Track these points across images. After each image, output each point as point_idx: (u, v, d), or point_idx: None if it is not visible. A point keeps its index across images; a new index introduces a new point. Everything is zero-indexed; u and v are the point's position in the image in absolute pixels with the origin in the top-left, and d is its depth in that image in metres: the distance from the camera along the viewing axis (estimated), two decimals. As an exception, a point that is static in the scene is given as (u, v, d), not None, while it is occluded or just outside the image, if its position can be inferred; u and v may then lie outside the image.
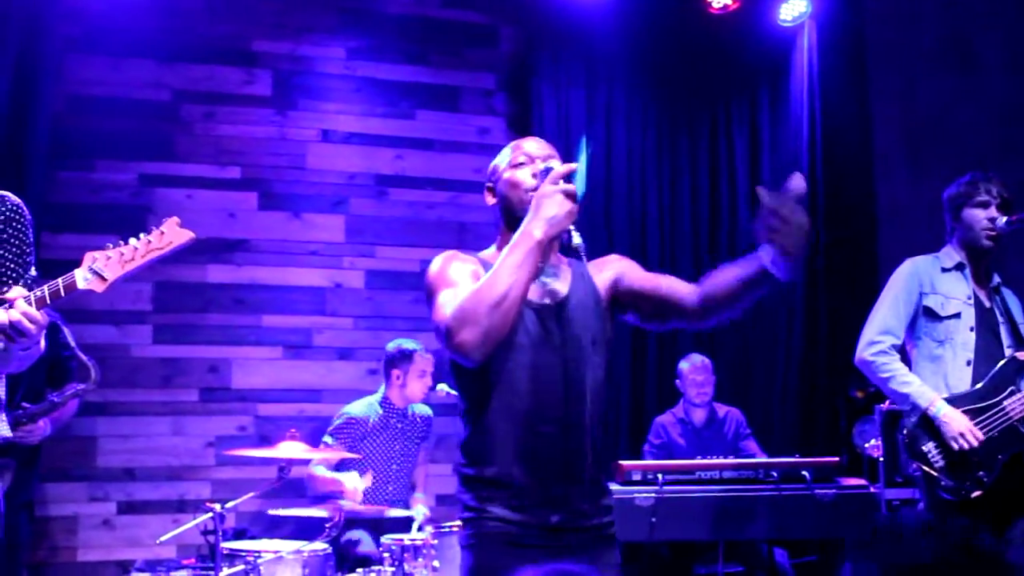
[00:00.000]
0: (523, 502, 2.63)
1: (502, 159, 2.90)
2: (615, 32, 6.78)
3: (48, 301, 2.87)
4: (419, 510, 5.38)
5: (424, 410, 5.74)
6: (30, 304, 2.83)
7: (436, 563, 4.54)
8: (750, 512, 5.16)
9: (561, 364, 2.69)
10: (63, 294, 2.90)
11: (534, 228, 2.55)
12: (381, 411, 5.55)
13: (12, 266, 2.95)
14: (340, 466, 5.41)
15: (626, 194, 6.79)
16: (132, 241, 3.01)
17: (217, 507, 4.32)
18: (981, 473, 3.88)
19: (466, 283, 2.63)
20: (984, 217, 4.08)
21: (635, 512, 5.07)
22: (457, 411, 2.80)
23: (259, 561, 4.38)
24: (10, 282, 2.93)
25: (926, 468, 3.94)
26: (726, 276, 2.86)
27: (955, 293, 4.11)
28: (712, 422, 6.13)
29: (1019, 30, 6.67)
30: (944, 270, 4.15)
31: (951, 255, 4.17)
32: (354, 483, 5.11)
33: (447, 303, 2.56)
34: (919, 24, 6.95)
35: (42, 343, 2.97)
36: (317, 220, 6.40)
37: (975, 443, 3.86)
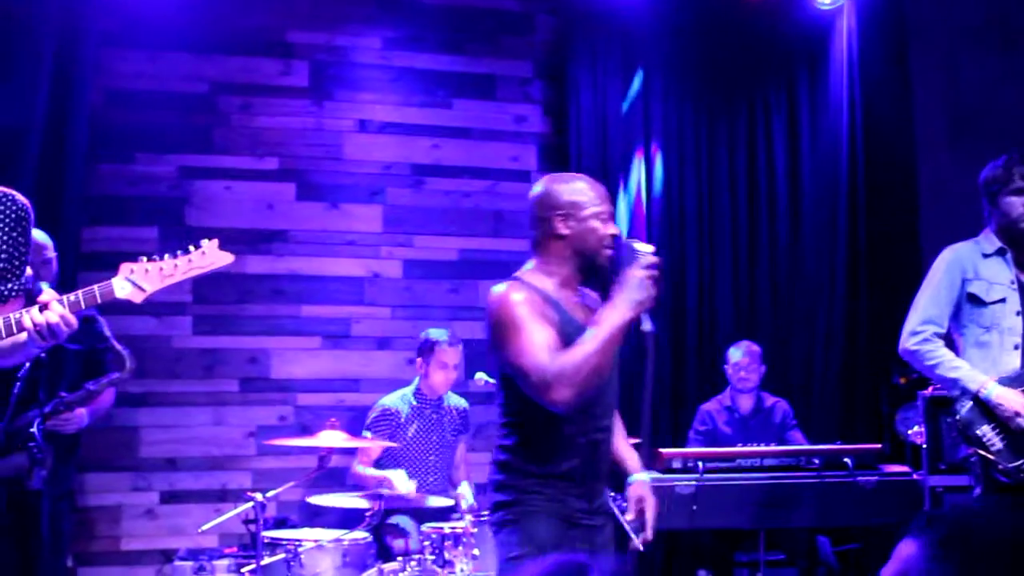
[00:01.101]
0: (580, 491, 3.10)
1: (586, 199, 3.13)
2: (651, 19, 6.74)
3: (83, 306, 2.90)
4: (464, 494, 5.39)
5: (459, 402, 5.74)
6: (63, 306, 2.86)
7: (476, 551, 4.54)
8: (791, 500, 5.13)
9: (607, 381, 3.13)
10: (99, 300, 2.94)
11: (626, 310, 2.93)
12: (415, 402, 5.56)
13: (16, 263, 2.97)
14: (382, 460, 5.43)
15: (664, 182, 6.74)
16: (170, 259, 3.05)
17: (258, 496, 4.35)
18: None
19: (543, 333, 2.96)
20: (1020, 204, 4.02)
21: (676, 500, 5.05)
22: (508, 409, 3.15)
23: (300, 550, 4.41)
24: (11, 280, 2.95)
25: (982, 452, 3.89)
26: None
27: (999, 278, 4.06)
28: (759, 411, 6.09)
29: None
30: (985, 255, 4.10)
31: (991, 240, 4.11)
32: (402, 481, 5.12)
33: (538, 357, 2.91)
34: (960, 3, 6.84)
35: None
36: (354, 210, 6.41)
37: None
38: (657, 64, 6.82)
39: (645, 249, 2.99)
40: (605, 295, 3.11)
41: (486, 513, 4.73)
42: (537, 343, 2.94)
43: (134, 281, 2.97)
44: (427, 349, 5.55)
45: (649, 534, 3.33)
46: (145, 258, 3.03)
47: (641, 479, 3.41)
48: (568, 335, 3.01)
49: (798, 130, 6.94)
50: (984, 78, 6.74)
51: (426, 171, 6.56)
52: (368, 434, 5.42)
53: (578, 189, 3.16)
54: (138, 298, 2.99)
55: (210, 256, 3.10)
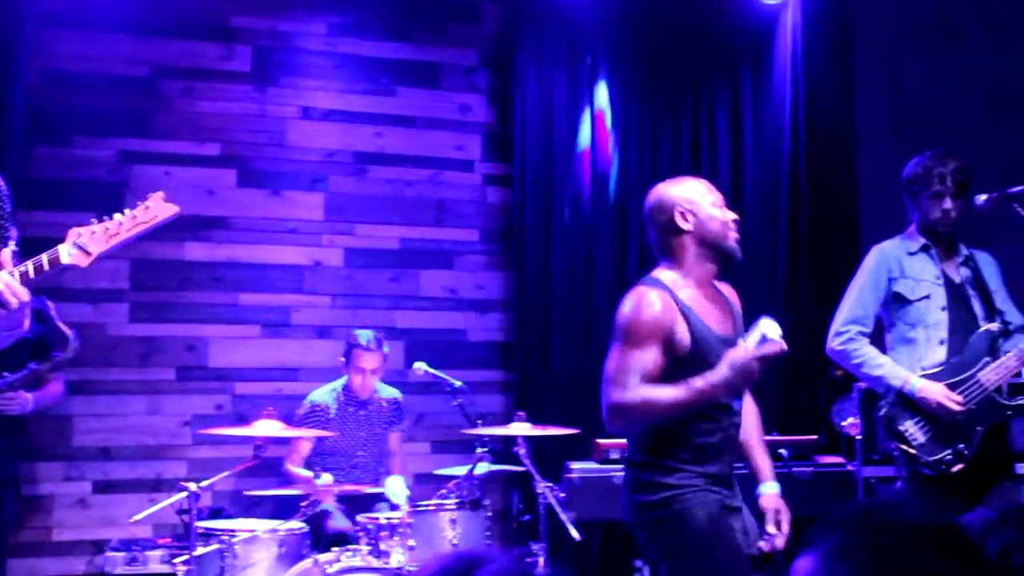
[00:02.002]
0: (722, 480, 3.22)
1: (698, 193, 3.29)
2: (598, 10, 6.74)
3: (32, 275, 2.86)
4: (395, 491, 5.36)
5: (391, 393, 5.70)
6: (13, 277, 2.81)
7: (412, 542, 4.51)
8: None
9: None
10: (47, 268, 2.89)
11: (720, 391, 3.03)
12: (343, 397, 5.52)
13: None
14: (313, 458, 5.39)
15: (607, 172, 6.75)
16: (117, 216, 3.00)
17: (192, 486, 4.29)
18: (961, 446, 3.89)
19: (647, 357, 3.06)
20: (938, 209, 4.07)
21: (613, 490, 5.05)
22: None
23: (234, 540, 4.36)
24: None
25: (904, 447, 3.94)
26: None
27: (924, 275, 4.10)
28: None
29: (1002, 6, 6.65)
30: (911, 253, 4.14)
31: (916, 238, 4.16)
32: (327, 483, 5.07)
33: (625, 377, 3.04)
34: (902, 2, 6.91)
35: (26, 323, 2.95)
36: (296, 197, 6.35)
37: (957, 408, 3.86)
38: (603, 56, 6.82)
39: (775, 335, 3.01)
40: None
41: (424, 504, 4.74)
42: (635, 362, 3.06)
43: (80, 245, 2.92)
44: (347, 352, 5.51)
45: (781, 542, 3.33)
46: (95, 220, 2.98)
47: (773, 490, 3.43)
48: (700, 341, 3.13)
49: (741, 123, 6.98)
50: (924, 75, 6.82)
51: (369, 159, 6.51)
52: (299, 431, 5.37)
53: (688, 186, 3.32)
54: (85, 262, 2.94)
55: (155, 210, 3.05)
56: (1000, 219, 4.07)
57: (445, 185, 6.63)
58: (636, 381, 3.04)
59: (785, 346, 3.01)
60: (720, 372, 3.00)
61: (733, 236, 3.28)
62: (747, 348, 3.00)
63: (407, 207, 6.55)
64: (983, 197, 4.05)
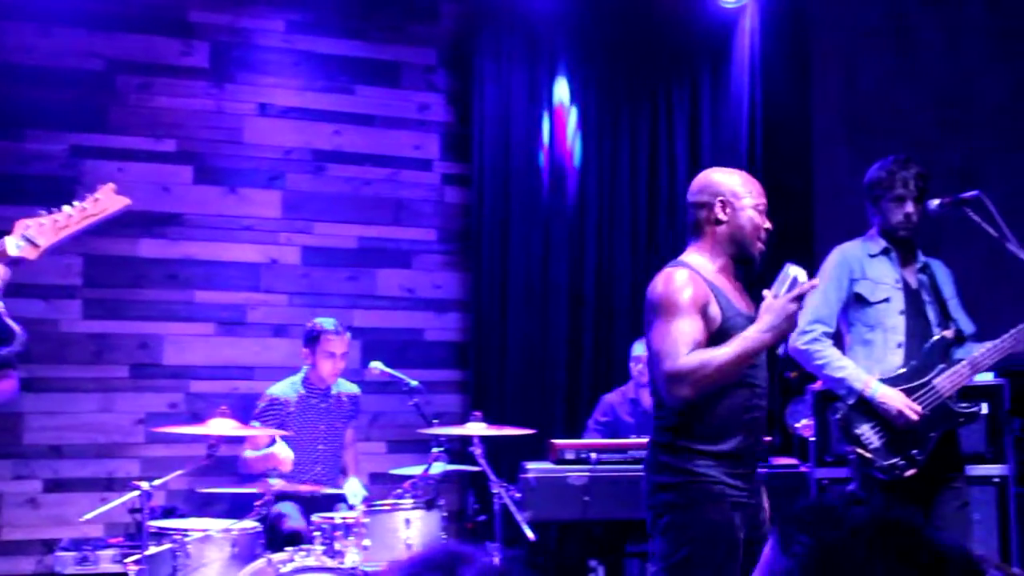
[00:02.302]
0: (743, 471, 3.22)
1: (745, 190, 3.32)
2: (558, 10, 6.76)
3: None
4: (353, 491, 5.35)
5: (350, 388, 5.70)
6: None
7: (367, 542, 4.50)
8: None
9: (762, 360, 3.29)
10: None
11: (771, 335, 3.10)
12: (303, 390, 5.50)
13: None
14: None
15: (566, 173, 6.77)
16: (66, 208, 2.96)
17: (144, 485, 4.25)
18: (915, 452, 3.92)
19: (692, 325, 3.12)
20: (900, 212, 4.11)
21: (568, 491, 5.08)
22: (656, 396, 3.25)
23: (186, 540, 4.32)
24: None
25: (860, 451, 3.97)
26: None
27: (884, 278, 4.14)
28: (662, 407, 6.11)
29: (957, 11, 6.73)
30: (872, 256, 4.18)
31: (877, 241, 4.20)
32: (282, 450, 5.07)
33: (676, 346, 3.08)
34: (859, 6, 6.98)
35: None
36: (253, 195, 6.31)
37: (916, 417, 3.90)
38: (562, 56, 6.84)
39: (802, 277, 3.13)
40: (748, 287, 3.42)
41: (380, 503, 4.73)
42: (682, 332, 3.11)
43: (29, 237, 2.88)
44: (313, 338, 5.49)
45: None
46: (44, 212, 2.94)
47: None
48: (729, 319, 3.20)
49: (700, 126, 7.02)
50: (880, 78, 6.89)
51: (327, 157, 6.48)
52: (256, 424, 5.34)
53: (739, 180, 3.35)
54: (33, 254, 2.91)
55: (104, 202, 3.02)
56: (953, 224, 4.11)
57: (403, 184, 6.61)
58: (686, 349, 3.09)
59: (816, 282, 3.21)
60: (764, 319, 3.10)
61: (760, 245, 3.34)
62: (780, 293, 3.12)
63: (365, 206, 6.53)
64: (936, 202, 4.09)
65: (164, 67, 6.20)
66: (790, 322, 3.13)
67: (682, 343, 3.10)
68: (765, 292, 3.18)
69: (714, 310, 3.20)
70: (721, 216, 3.31)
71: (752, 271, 3.42)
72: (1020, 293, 4.01)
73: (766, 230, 3.34)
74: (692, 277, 3.21)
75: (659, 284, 3.23)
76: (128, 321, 6.00)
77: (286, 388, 5.51)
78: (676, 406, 3.18)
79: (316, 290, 6.37)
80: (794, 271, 3.16)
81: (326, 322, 5.52)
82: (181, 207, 6.16)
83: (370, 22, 6.62)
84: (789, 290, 3.12)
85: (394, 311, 6.51)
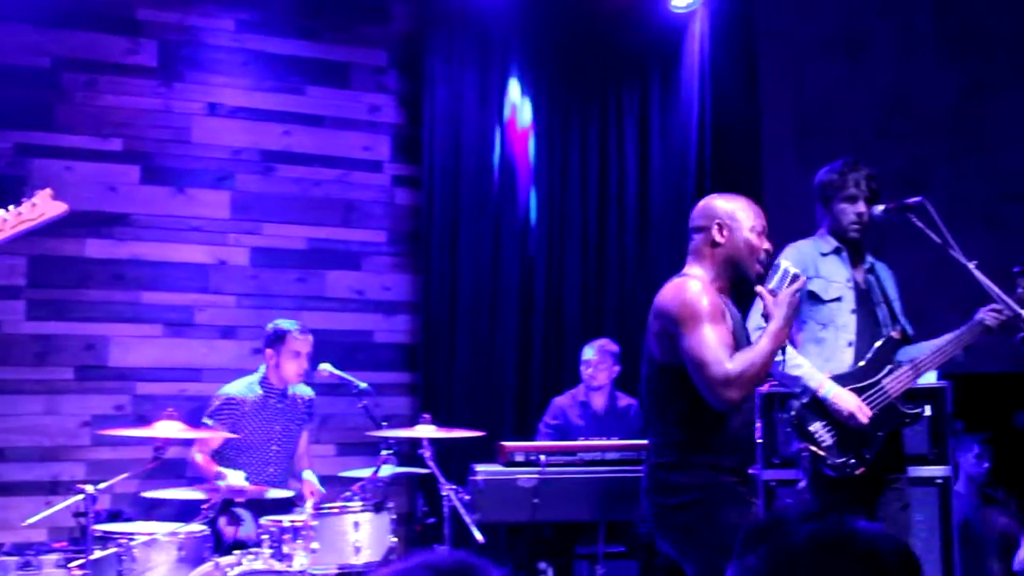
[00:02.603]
0: (744, 480, 3.38)
1: (743, 214, 3.43)
2: (509, 13, 6.76)
3: None
4: (313, 480, 5.36)
5: (305, 391, 5.68)
6: None
7: (315, 544, 4.49)
8: (631, 493, 5.17)
9: None
10: None
11: (786, 331, 3.29)
12: (260, 391, 5.47)
13: None
14: (223, 449, 5.32)
15: (516, 177, 6.78)
16: (0, 212, 2.92)
17: (89, 488, 4.20)
18: (864, 450, 3.98)
19: (725, 332, 3.25)
20: (852, 212, 4.16)
21: (517, 493, 5.09)
22: (676, 405, 3.34)
23: (132, 544, 4.28)
24: None
25: (813, 448, 4.02)
26: None
27: (836, 277, 4.19)
28: (612, 410, 6.14)
29: (902, 19, 6.83)
30: (823, 254, 4.23)
31: (828, 240, 4.25)
32: (237, 480, 5.03)
33: (720, 353, 3.18)
34: (808, 12, 7.07)
35: None
36: (201, 195, 6.26)
37: (865, 420, 3.95)
38: (514, 58, 6.85)
39: (793, 269, 3.36)
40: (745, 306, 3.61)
41: (328, 506, 4.71)
42: (721, 339, 3.22)
43: None
44: (278, 339, 5.47)
45: None
46: None
47: None
48: (736, 328, 3.36)
49: (649, 130, 7.06)
50: (828, 85, 6.98)
51: (276, 158, 6.45)
52: (209, 422, 5.31)
53: (738, 204, 3.46)
54: None
55: (41, 207, 2.99)
56: (897, 230, 4.17)
57: (353, 186, 6.59)
58: (728, 352, 3.22)
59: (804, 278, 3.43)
60: (778, 314, 3.28)
61: (758, 266, 3.43)
62: (780, 288, 3.33)
63: (314, 207, 6.50)
64: (880, 208, 4.15)
65: (111, 65, 6.13)
66: (795, 312, 3.35)
67: (723, 348, 3.21)
68: (759, 288, 3.37)
69: (727, 318, 3.33)
70: (718, 239, 3.41)
71: (746, 287, 3.53)
72: (963, 298, 4.08)
73: (765, 251, 3.44)
74: (705, 286, 3.32)
75: (675, 295, 3.32)
76: (73, 322, 5.93)
77: (243, 388, 5.47)
78: (688, 420, 3.30)
79: (265, 291, 6.33)
80: (787, 264, 3.40)
81: (290, 323, 5.50)
82: (128, 207, 6.10)
83: (321, 22, 6.59)
84: (783, 283, 3.33)
85: (343, 313, 6.49)
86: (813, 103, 7.03)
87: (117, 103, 6.13)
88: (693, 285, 3.31)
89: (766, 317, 3.37)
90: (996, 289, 3.89)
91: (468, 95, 6.71)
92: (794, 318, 3.40)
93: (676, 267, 6.64)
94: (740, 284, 3.50)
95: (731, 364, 3.17)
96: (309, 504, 4.65)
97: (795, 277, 3.34)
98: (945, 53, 6.86)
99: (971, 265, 3.90)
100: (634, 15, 6.97)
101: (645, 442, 5.56)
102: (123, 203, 6.09)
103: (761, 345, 3.24)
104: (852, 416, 3.97)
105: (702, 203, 3.55)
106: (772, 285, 3.35)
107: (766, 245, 3.45)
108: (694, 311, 3.24)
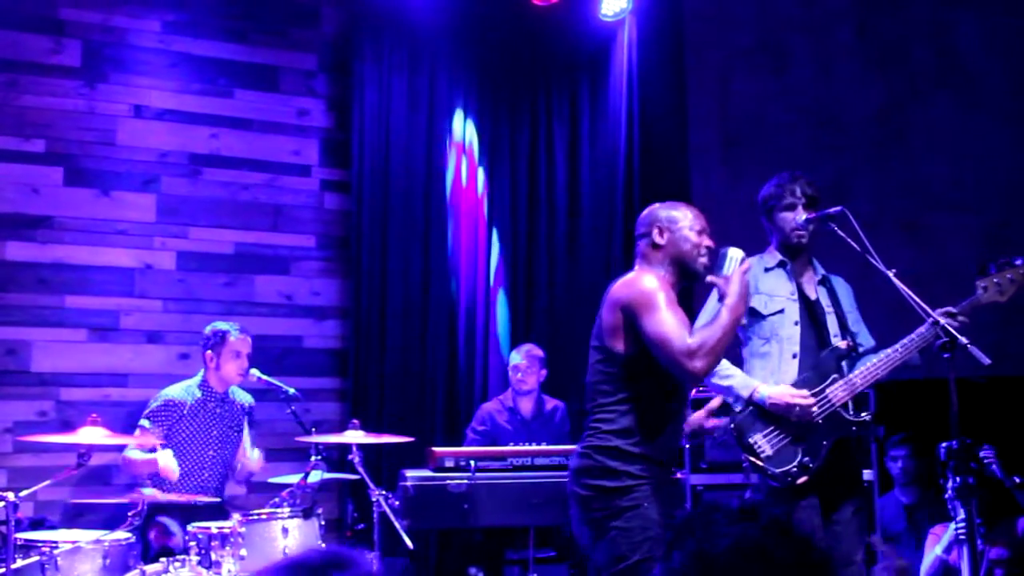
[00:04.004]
0: (670, 469, 3.64)
1: (681, 216, 3.67)
2: (439, 18, 6.77)
3: None
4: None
5: (245, 397, 5.63)
6: None
7: (244, 551, 4.44)
8: (561, 498, 5.22)
9: None
10: None
11: (741, 301, 3.49)
12: (200, 395, 5.42)
13: None
14: (154, 451, 5.26)
15: (445, 180, 6.78)
16: None
17: (10, 496, 4.11)
18: (806, 459, 4.01)
19: (680, 313, 3.44)
20: (793, 219, 4.23)
21: (448, 498, 5.09)
22: (619, 390, 3.49)
23: (55, 552, 4.20)
24: None
25: (753, 459, 4.05)
26: None
27: (778, 291, 4.23)
28: (540, 414, 6.17)
29: (828, 35, 6.97)
30: (767, 269, 4.27)
31: (773, 255, 4.30)
32: (168, 460, 4.99)
33: (681, 329, 3.38)
34: (735, 24, 7.17)
35: None
36: (127, 198, 6.17)
37: (806, 402, 3.98)
38: (443, 63, 6.86)
39: (738, 254, 3.58)
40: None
41: (256, 513, 4.67)
42: (679, 318, 3.42)
43: None
44: (218, 340, 5.42)
45: None
46: None
47: None
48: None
49: (578, 137, 7.12)
50: (754, 96, 7.09)
51: (204, 161, 6.38)
52: (146, 423, 5.26)
53: (677, 209, 3.72)
54: None
55: None
56: (824, 240, 4.25)
57: (282, 190, 6.55)
58: (688, 328, 3.42)
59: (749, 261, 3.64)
60: (732, 290, 3.49)
61: (702, 260, 3.64)
62: (730, 271, 3.54)
63: (242, 211, 6.44)
64: (803, 217, 4.22)
65: (33, 65, 6.03)
66: (747, 289, 3.55)
67: (683, 324, 3.41)
68: (711, 278, 3.59)
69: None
70: (659, 241, 3.64)
71: (696, 282, 3.75)
72: (890, 306, 4.16)
73: (706, 247, 3.65)
74: (658, 278, 3.53)
75: (632, 285, 3.53)
76: (-6, 326, 5.81)
77: (181, 391, 5.41)
78: (631, 404, 3.46)
79: (192, 296, 6.26)
80: (732, 251, 3.60)
81: (227, 324, 5.48)
82: (51, 209, 6.00)
83: (249, 25, 6.54)
84: (731, 267, 3.55)
85: (272, 318, 6.44)
86: (739, 114, 7.13)
87: (40, 103, 6.03)
88: (647, 277, 3.53)
89: (721, 298, 3.51)
90: (914, 296, 3.97)
91: (397, 99, 6.71)
92: (748, 295, 3.60)
93: (603, 271, 6.78)
94: (690, 280, 3.71)
95: (694, 337, 3.37)
96: (236, 517, 4.58)
97: (742, 260, 3.57)
98: (865, 68, 7.01)
99: (891, 273, 3.97)
100: (564, 22, 7.02)
101: (573, 447, 5.63)
102: (46, 205, 5.99)
103: (720, 317, 3.44)
104: (790, 406, 4.01)
105: (645, 211, 3.78)
106: (724, 272, 3.55)
107: (707, 242, 3.66)
108: (651, 297, 3.43)
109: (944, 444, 3.85)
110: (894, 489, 5.87)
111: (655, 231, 3.66)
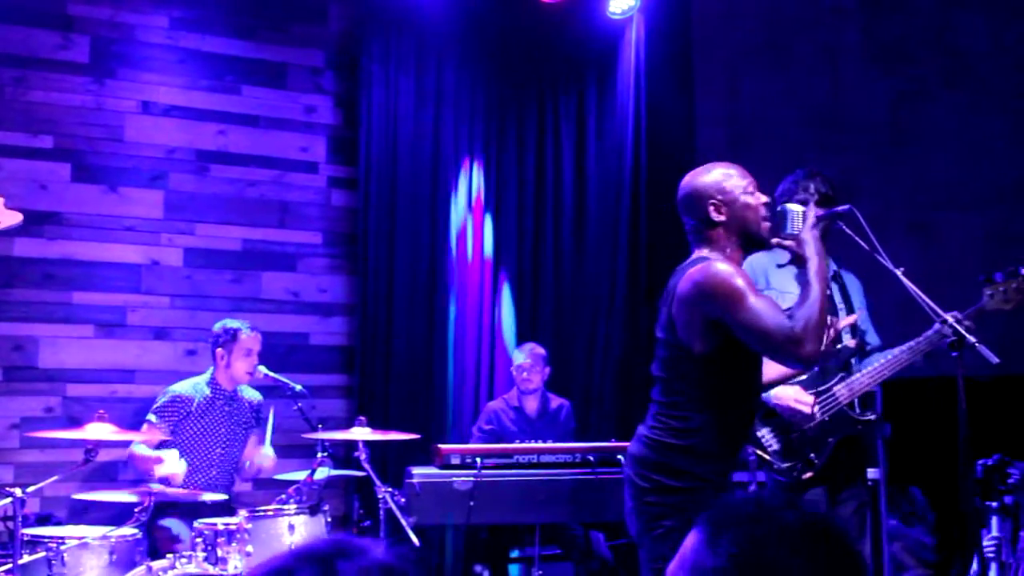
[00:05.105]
0: (734, 471, 3.44)
1: (731, 183, 3.31)
2: (446, 16, 6.76)
3: None
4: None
5: (253, 395, 5.64)
6: None
7: (250, 548, 4.45)
8: (567, 495, 5.24)
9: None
10: None
11: (823, 262, 3.26)
12: (208, 392, 5.44)
13: None
14: (165, 446, 5.27)
15: (452, 177, 6.79)
16: None
17: (17, 492, 4.13)
18: (812, 455, 4.04)
19: (769, 298, 3.19)
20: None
21: (453, 496, 5.10)
22: (696, 388, 3.23)
23: (62, 548, 4.22)
24: None
25: (760, 452, 4.07)
26: None
27: (789, 287, 4.22)
28: (545, 412, 6.17)
29: (834, 35, 6.96)
30: (779, 266, 4.27)
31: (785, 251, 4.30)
32: (171, 466, 4.99)
33: (778, 317, 3.10)
34: (742, 23, 7.17)
35: None
36: (134, 194, 6.18)
37: (808, 410, 3.99)
38: (450, 60, 6.85)
39: (799, 209, 3.40)
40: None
41: (262, 509, 4.68)
42: (770, 303, 3.15)
43: None
44: (229, 338, 5.45)
45: None
46: None
47: None
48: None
49: (585, 136, 7.10)
50: (761, 94, 7.08)
51: (211, 158, 6.39)
52: (153, 418, 5.28)
53: (721, 174, 3.34)
54: None
55: None
56: (828, 237, 4.24)
57: (289, 186, 6.56)
58: (784, 314, 3.14)
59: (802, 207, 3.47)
60: (809, 250, 3.28)
61: (766, 224, 3.35)
62: (796, 228, 3.37)
63: (249, 208, 6.45)
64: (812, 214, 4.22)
65: (42, 61, 6.04)
66: (819, 243, 3.31)
67: (776, 309, 3.15)
68: (776, 240, 3.40)
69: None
70: (717, 218, 3.30)
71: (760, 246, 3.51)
72: (900, 304, 4.15)
73: (765, 204, 3.35)
74: (728, 263, 3.23)
75: (707, 277, 3.18)
76: (1, 322, 5.82)
77: (190, 388, 5.43)
78: (709, 403, 3.23)
79: (199, 292, 6.27)
80: (793, 207, 3.43)
81: (237, 322, 5.50)
82: (59, 205, 6.01)
83: (257, 22, 6.55)
84: (796, 223, 3.38)
85: (279, 315, 6.45)
86: (746, 112, 7.13)
87: (48, 99, 6.04)
88: (720, 265, 3.19)
89: (797, 263, 3.38)
90: (922, 295, 3.97)
91: (405, 96, 6.71)
92: (823, 251, 3.35)
93: (609, 274, 6.77)
94: (756, 248, 3.51)
95: (794, 323, 3.10)
96: (242, 513, 4.58)
97: (804, 214, 3.38)
98: (871, 67, 7.01)
99: (899, 271, 3.97)
100: (571, 20, 7.01)
101: (579, 445, 5.65)
102: (54, 201, 6.00)
103: (812, 291, 3.18)
104: (792, 409, 4.02)
105: (684, 187, 3.42)
106: (790, 231, 3.36)
107: (763, 199, 3.36)
108: (734, 289, 3.13)
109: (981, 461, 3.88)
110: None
111: (710, 208, 3.29)
